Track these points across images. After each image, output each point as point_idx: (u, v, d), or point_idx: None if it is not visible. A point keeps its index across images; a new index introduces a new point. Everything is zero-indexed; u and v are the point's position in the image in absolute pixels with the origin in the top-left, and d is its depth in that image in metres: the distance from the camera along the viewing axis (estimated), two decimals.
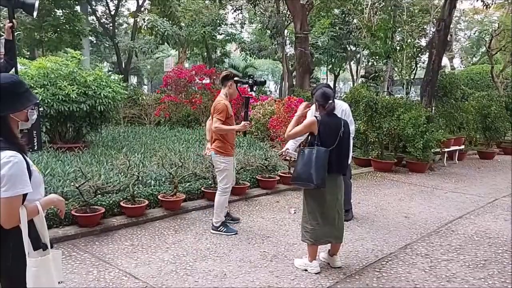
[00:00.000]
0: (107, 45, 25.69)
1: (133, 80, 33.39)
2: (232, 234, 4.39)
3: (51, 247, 1.93)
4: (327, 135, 3.42)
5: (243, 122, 4.27)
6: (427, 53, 10.78)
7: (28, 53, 17.36)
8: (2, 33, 4.84)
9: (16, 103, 1.83)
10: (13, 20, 4.02)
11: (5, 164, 1.69)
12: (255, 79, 4.36)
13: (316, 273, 3.53)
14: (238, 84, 4.45)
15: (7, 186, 1.69)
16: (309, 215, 3.53)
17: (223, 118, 4.21)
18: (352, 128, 4.75)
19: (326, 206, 3.49)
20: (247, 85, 4.39)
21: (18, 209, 1.75)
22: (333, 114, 3.55)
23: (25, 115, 1.89)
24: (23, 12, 12.70)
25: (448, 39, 11.97)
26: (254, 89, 4.58)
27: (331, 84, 29.05)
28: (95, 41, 24.65)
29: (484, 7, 12.27)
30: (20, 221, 1.75)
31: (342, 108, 4.68)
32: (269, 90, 28.90)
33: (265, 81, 4.56)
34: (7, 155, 1.71)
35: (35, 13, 4.37)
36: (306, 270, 3.57)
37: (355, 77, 20.75)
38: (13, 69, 4.07)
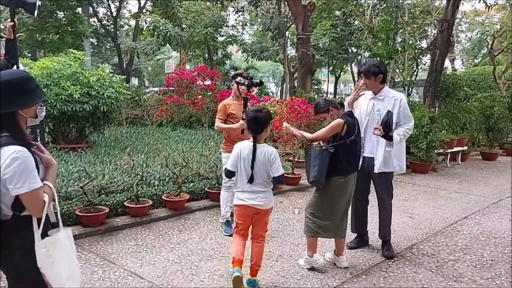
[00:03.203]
0: (108, 46, 25.76)
1: (135, 81, 33.43)
2: (226, 235, 4.36)
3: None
4: (350, 134, 3.48)
5: (240, 121, 4.33)
6: (429, 55, 10.77)
7: (30, 54, 17.37)
8: (4, 34, 4.83)
9: (26, 99, 1.81)
10: (14, 20, 4.00)
11: (14, 160, 1.68)
12: (252, 80, 4.46)
13: (321, 265, 3.54)
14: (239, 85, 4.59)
15: (20, 182, 1.68)
16: (326, 210, 3.50)
17: (222, 117, 4.47)
18: (410, 124, 3.87)
19: (347, 202, 3.58)
20: (244, 85, 4.45)
21: (42, 198, 1.77)
22: (351, 112, 3.62)
23: (34, 111, 1.87)
24: (25, 13, 12.75)
25: (450, 40, 11.93)
26: (251, 90, 4.75)
27: (332, 86, 29.08)
28: (96, 43, 24.70)
29: (486, 8, 12.24)
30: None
31: (395, 97, 3.82)
32: (271, 92, 28.90)
33: (261, 82, 4.67)
34: (16, 150, 1.70)
35: (36, 12, 4.35)
36: (312, 267, 3.55)
37: (356, 79, 20.71)
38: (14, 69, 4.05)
